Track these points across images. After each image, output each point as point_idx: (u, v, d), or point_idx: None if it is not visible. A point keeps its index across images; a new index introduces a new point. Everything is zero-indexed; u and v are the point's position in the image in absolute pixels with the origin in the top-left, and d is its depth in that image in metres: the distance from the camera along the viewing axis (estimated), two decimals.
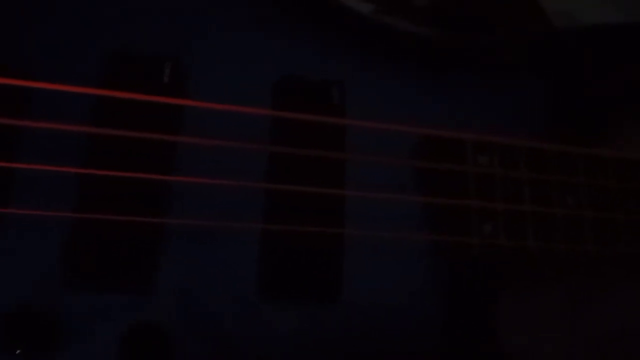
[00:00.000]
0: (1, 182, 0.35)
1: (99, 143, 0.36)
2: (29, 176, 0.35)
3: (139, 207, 0.36)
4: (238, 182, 0.38)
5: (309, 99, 0.41)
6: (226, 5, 0.41)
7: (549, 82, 0.46)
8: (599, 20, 0.51)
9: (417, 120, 0.41)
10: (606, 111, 0.47)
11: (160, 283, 0.36)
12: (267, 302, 0.37)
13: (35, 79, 0.35)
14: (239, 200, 0.38)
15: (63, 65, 0.37)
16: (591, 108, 0.47)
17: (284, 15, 0.42)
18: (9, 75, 0.35)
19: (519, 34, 0.48)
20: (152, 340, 0.36)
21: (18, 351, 0.34)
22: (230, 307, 0.37)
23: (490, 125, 0.43)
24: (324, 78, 0.41)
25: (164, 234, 0.36)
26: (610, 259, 0.43)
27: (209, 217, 0.37)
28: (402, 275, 0.40)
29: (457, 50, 0.45)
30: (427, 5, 0.49)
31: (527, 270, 0.45)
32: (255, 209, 0.38)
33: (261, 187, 0.38)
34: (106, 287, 0.36)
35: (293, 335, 0.38)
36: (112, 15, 0.39)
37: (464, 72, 0.45)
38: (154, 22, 0.39)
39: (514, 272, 0.44)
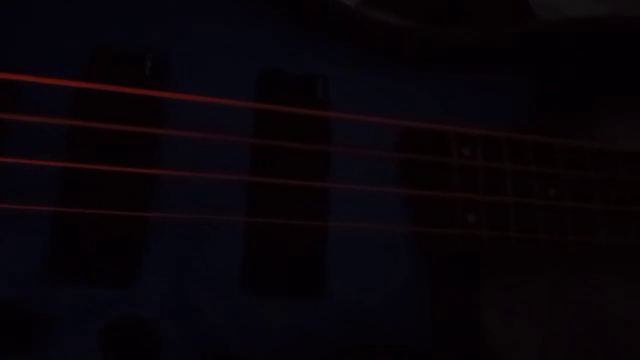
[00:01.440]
0: None
1: (82, 136, 0.36)
2: (12, 170, 0.35)
3: (123, 201, 0.36)
4: (221, 175, 0.38)
5: (292, 93, 0.41)
6: (209, 0, 0.41)
7: (534, 75, 0.46)
8: (585, 13, 0.51)
9: (401, 113, 0.41)
10: (590, 103, 0.48)
11: (145, 277, 0.36)
12: (252, 296, 0.37)
13: (19, 72, 0.35)
14: (223, 194, 0.38)
15: (46, 59, 0.37)
16: (575, 101, 0.47)
17: (267, 8, 0.42)
18: None
19: (505, 27, 0.48)
20: (138, 333, 0.36)
21: None
22: (215, 300, 0.37)
23: (475, 120, 0.43)
24: (307, 71, 0.41)
25: (148, 227, 0.36)
26: (593, 251, 0.43)
27: (193, 210, 0.37)
28: (387, 268, 0.40)
29: (442, 43, 0.45)
30: None
31: (510, 262, 0.45)
32: (239, 202, 0.38)
33: (244, 180, 0.38)
34: (91, 281, 0.36)
35: (279, 329, 0.38)
36: (95, 10, 0.39)
37: (449, 66, 0.45)
38: (137, 16, 0.39)
39: (497, 264, 0.45)
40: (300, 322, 0.38)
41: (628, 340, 0.47)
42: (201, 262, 0.37)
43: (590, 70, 0.47)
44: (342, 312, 0.39)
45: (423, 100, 0.43)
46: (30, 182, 0.35)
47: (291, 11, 0.42)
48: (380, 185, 0.40)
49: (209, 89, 0.39)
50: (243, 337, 0.37)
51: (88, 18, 0.39)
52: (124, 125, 0.36)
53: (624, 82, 0.49)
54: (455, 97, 0.44)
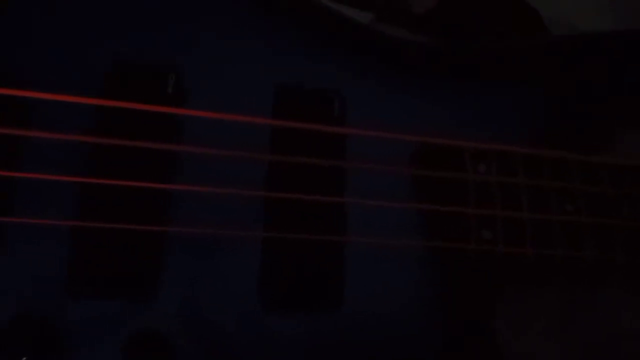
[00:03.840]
0: (4, 191, 0.35)
1: (101, 152, 0.37)
2: (32, 185, 0.35)
3: (141, 216, 0.36)
4: (239, 190, 0.38)
5: (309, 109, 0.41)
6: (226, 15, 0.41)
7: (548, 89, 0.46)
8: (597, 28, 0.51)
9: (416, 128, 0.42)
10: (605, 118, 0.48)
11: (162, 291, 0.36)
12: (269, 311, 0.38)
13: (37, 89, 0.36)
14: (240, 209, 0.38)
15: (64, 75, 0.38)
16: (590, 116, 0.47)
17: (284, 24, 0.42)
18: (11, 85, 0.35)
19: (518, 41, 0.48)
20: (154, 348, 0.36)
21: (24, 358, 0.34)
22: (232, 315, 0.37)
23: (490, 133, 0.43)
24: (323, 87, 0.41)
25: (165, 242, 0.37)
26: (607, 266, 0.43)
27: (211, 225, 0.37)
28: (402, 283, 0.40)
29: (456, 58, 0.46)
30: (426, 14, 0.49)
31: (524, 276, 0.45)
32: (256, 218, 0.38)
33: (261, 195, 0.39)
34: (109, 294, 0.36)
35: (295, 344, 0.38)
36: (113, 26, 0.39)
37: (463, 81, 0.45)
38: (155, 32, 0.40)
39: (512, 278, 0.45)
40: (315, 336, 0.38)
41: (638, 355, 0.46)
42: (218, 276, 0.37)
43: (605, 84, 0.47)
44: (358, 326, 0.39)
45: (438, 114, 0.43)
46: (50, 197, 0.36)
47: (308, 27, 0.42)
48: (396, 201, 0.40)
49: (226, 104, 0.39)
50: (259, 351, 0.37)
51: (107, 33, 0.39)
52: (144, 142, 0.36)
53: (638, 95, 0.49)
54: (470, 111, 0.44)
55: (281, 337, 0.38)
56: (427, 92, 0.44)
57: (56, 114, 0.36)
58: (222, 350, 0.37)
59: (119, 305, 0.36)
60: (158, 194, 0.37)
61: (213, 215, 0.38)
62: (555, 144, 0.44)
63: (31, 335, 0.34)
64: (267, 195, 0.39)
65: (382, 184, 0.41)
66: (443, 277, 0.41)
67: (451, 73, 0.45)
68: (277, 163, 0.39)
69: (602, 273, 0.46)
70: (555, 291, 0.46)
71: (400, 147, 0.41)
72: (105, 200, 0.36)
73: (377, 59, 0.43)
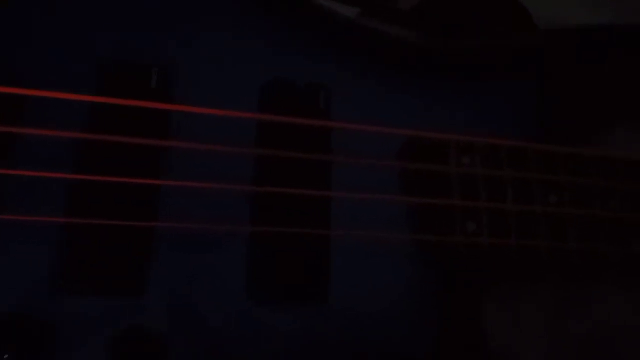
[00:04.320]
0: None
1: (89, 149, 0.37)
2: (21, 182, 0.35)
3: (130, 212, 0.36)
4: (226, 185, 0.38)
5: (295, 103, 0.41)
6: (212, 10, 0.41)
7: (536, 84, 0.46)
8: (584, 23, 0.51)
9: (404, 123, 0.42)
10: (593, 112, 0.48)
11: (151, 287, 0.36)
12: (257, 305, 0.38)
13: (27, 86, 0.36)
14: (228, 204, 0.38)
15: (54, 73, 0.38)
16: (577, 109, 0.47)
17: (269, 19, 0.42)
18: (0, 83, 0.35)
19: (505, 37, 0.48)
20: (144, 344, 0.36)
21: (6, 356, 0.34)
22: (220, 310, 0.37)
23: (478, 129, 0.43)
24: (310, 82, 0.42)
25: (154, 238, 0.37)
26: (596, 260, 0.43)
27: (198, 220, 0.37)
28: (390, 276, 0.40)
29: (443, 53, 0.46)
30: (413, 9, 0.49)
31: (513, 271, 0.45)
32: (243, 212, 0.39)
33: (248, 189, 0.39)
34: (97, 291, 0.36)
35: (284, 336, 0.38)
36: (102, 23, 0.39)
37: (450, 76, 0.45)
38: (142, 28, 0.40)
39: (500, 272, 0.45)
40: (305, 330, 0.38)
41: (631, 351, 0.47)
42: (207, 271, 0.38)
43: (592, 78, 0.47)
44: (346, 319, 0.39)
45: (425, 109, 0.44)
46: (40, 194, 0.36)
47: (293, 21, 0.43)
48: (382, 194, 0.41)
49: (213, 99, 0.39)
50: (249, 345, 0.37)
51: (94, 30, 0.39)
52: (131, 138, 0.37)
53: (626, 89, 0.49)
54: (457, 106, 0.44)
55: (270, 331, 0.38)
56: (414, 87, 0.44)
57: (46, 112, 0.36)
58: (211, 345, 0.37)
59: (108, 302, 0.36)
60: (146, 190, 0.37)
61: (201, 211, 0.38)
62: (545, 139, 0.44)
63: (17, 333, 0.34)
64: (254, 190, 0.39)
65: (369, 177, 0.41)
66: (431, 270, 0.41)
67: (439, 69, 0.45)
68: (264, 157, 0.39)
69: (594, 269, 0.46)
70: (548, 289, 0.47)
71: (387, 141, 0.42)
72: (94, 197, 0.36)
73: (364, 54, 0.44)
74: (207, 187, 0.38)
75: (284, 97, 0.41)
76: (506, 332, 0.45)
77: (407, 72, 0.44)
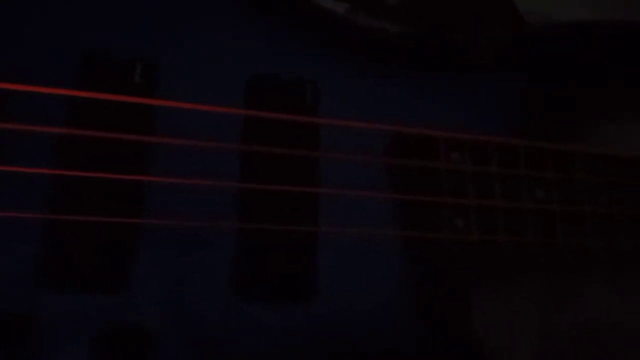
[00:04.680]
0: None
1: (72, 144, 0.36)
2: (3, 178, 0.35)
3: (115, 208, 0.36)
4: (212, 181, 0.38)
5: (282, 98, 0.41)
6: (198, 5, 0.41)
7: (524, 79, 0.46)
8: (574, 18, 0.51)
9: (392, 118, 0.42)
10: (581, 107, 0.48)
11: (137, 283, 0.36)
12: (243, 301, 0.38)
13: (7, 80, 0.35)
14: (214, 200, 0.38)
15: (36, 67, 0.37)
16: (566, 105, 0.47)
17: (257, 14, 0.42)
18: None
19: (492, 32, 0.48)
20: (131, 340, 0.36)
21: None
22: (207, 305, 0.37)
23: (467, 124, 0.43)
24: (296, 77, 0.41)
25: (139, 234, 0.37)
26: (584, 256, 0.43)
27: (184, 217, 0.37)
28: (377, 272, 0.40)
29: (429, 48, 0.46)
30: (400, 4, 0.49)
31: (501, 267, 0.45)
32: (229, 208, 0.38)
33: (235, 186, 0.38)
34: (83, 287, 0.36)
35: (270, 333, 0.38)
36: (84, 17, 0.39)
37: (439, 71, 0.45)
38: (127, 22, 0.40)
39: (488, 269, 0.45)
40: (291, 327, 0.38)
41: (619, 346, 0.47)
42: (193, 268, 0.37)
43: (581, 74, 0.47)
44: (332, 316, 0.39)
45: (413, 104, 0.44)
46: (21, 189, 0.35)
47: (281, 16, 0.42)
48: (369, 190, 0.40)
49: (199, 95, 0.39)
50: (236, 341, 0.37)
51: (77, 24, 0.39)
52: (115, 133, 0.36)
53: (615, 85, 0.49)
54: (445, 101, 0.44)
55: (258, 328, 0.38)
56: (402, 83, 0.44)
57: (27, 106, 0.36)
58: (199, 342, 0.37)
59: (93, 299, 0.35)
60: (131, 185, 0.37)
61: (187, 207, 0.37)
62: (533, 134, 0.44)
63: (2, 330, 0.34)
64: (240, 186, 0.38)
65: (357, 174, 0.41)
66: (419, 266, 0.41)
67: (426, 64, 0.45)
68: (250, 154, 0.39)
69: (579, 264, 0.46)
70: (533, 283, 0.47)
71: (375, 137, 0.41)
72: (77, 193, 0.36)
73: (353, 49, 0.43)
74: (193, 184, 0.37)
75: (269, 92, 0.41)
76: (496, 328, 0.45)
77: (395, 67, 0.44)
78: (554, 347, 0.46)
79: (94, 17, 0.39)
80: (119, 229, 0.36)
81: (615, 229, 0.44)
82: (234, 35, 0.41)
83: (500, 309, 0.46)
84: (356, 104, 0.42)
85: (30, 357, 0.34)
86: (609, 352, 0.47)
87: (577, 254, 0.43)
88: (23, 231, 0.35)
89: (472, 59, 0.46)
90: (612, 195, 0.44)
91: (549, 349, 0.46)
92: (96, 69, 0.38)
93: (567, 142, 0.45)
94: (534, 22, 0.52)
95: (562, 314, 0.47)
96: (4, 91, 0.35)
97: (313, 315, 0.39)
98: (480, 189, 0.41)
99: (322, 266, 0.39)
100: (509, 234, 0.41)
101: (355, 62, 0.43)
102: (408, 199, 0.41)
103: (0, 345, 0.34)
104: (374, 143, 0.41)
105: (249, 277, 0.38)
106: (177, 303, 0.37)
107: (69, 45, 0.38)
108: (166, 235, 0.37)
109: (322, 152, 0.40)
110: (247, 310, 0.38)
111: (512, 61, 0.46)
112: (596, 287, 0.48)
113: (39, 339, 0.34)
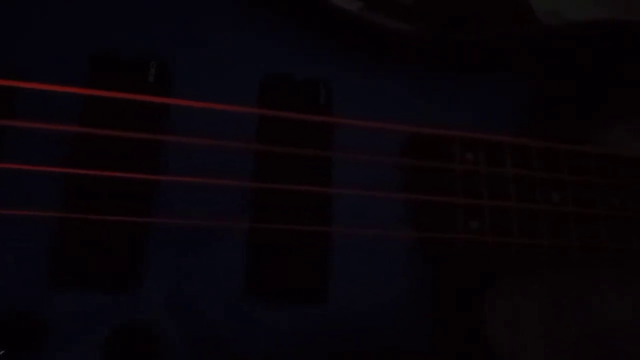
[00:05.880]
0: None
1: (86, 143, 0.36)
2: (16, 176, 0.35)
3: (127, 207, 0.36)
4: (225, 180, 0.38)
5: (296, 98, 0.41)
6: (212, 5, 0.41)
7: (536, 79, 0.46)
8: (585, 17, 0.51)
9: (405, 118, 0.41)
10: (595, 108, 0.48)
11: (148, 282, 0.36)
12: (255, 302, 0.37)
13: (22, 79, 0.35)
14: (227, 199, 0.38)
15: (49, 65, 0.37)
16: (579, 105, 0.47)
17: (270, 14, 0.42)
18: None
19: (506, 31, 0.48)
20: (140, 340, 0.36)
21: (2, 352, 0.34)
22: (218, 306, 0.37)
23: (480, 125, 0.43)
24: (310, 77, 0.41)
25: (151, 233, 0.37)
26: (596, 257, 0.43)
27: (197, 216, 0.37)
28: (390, 274, 0.40)
29: (445, 48, 0.45)
30: (415, 3, 0.49)
31: (513, 268, 0.45)
32: (242, 208, 0.38)
33: (248, 186, 0.38)
34: (93, 286, 0.36)
35: (281, 334, 0.38)
36: (98, 16, 0.39)
37: (453, 70, 0.45)
38: (141, 22, 0.39)
39: (500, 272, 0.45)
40: (303, 327, 0.38)
41: (630, 346, 0.47)
42: (204, 267, 0.37)
43: (594, 74, 0.47)
44: (345, 317, 0.39)
45: (427, 104, 0.43)
46: (34, 188, 0.35)
47: (295, 16, 0.42)
48: (383, 191, 0.40)
49: (213, 94, 0.39)
50: (246, 341, 0.37)
51: (90, 23, 0.39)
52: (129, 132, 0.36)
53: (628, 85, 0.49)
54: (459, 101, 0.44)
55: (268, 327, 0.37)
56: (417, 83, 0.44)
57: (41, 105, 0.36)
58: (209, 342, 0.37)
59: (104, 298, 0.35)
60: (143, 184, 0.37)
61: (199, 206, 0.37)
62: (546, 134, 0.44)
63: (13, 328, 0.34)
64: (253, 186, 0.38)
65: (370, 174, 0.40)
66: (432, 268, 0.41)
67: (440, 63, 0.45)
68: (264, 153, 0.39)
69: (591, 264, 0.46)
70: (544, 284, 0.47)
71: (389, 137, 0.41)
72: (90, 191, 0.36)
73: (367, 49, 0.43)
74: (206, 183, 0.37)
75: (283, 92, 0.40)
76: (505, 329, 0.45)
77: (409, 67, 0.44)
78: (563, 348, 0.46)
79: (109, 17, 0.39)
80: (132, 228, 0.36)
81: (627, 230, 0.44)
82: (247, 35, 0.41)
83: (510, 310, 0.45)
84: (370, 104, 0.42)
85: (41, 356, 0.34)
86: (620, 352, 0.47)
87: (589, 254, 0.43)
88: (35, 230, 0.35)
89: (485, 58, 0.46)
90: (624, 196, 0.44)
91: (558, 350, 0.46)
92: (110, 69, 0.38)
93: (577, 142, 0.44)
94: (547, 21, 0.52)
95: (571, 314, 0.47)
96: (20, 90, 0.35)
97: (325, 316, 0.38)
98: (495, 190, 0.41)
99: (336, 267, 0.39)
100: (523, 236, 0.41)
101: (369, 62, 0.43)
102: (422, 200, 0.41)
103: (12, 344, 0.34)
104: (387, 143, 0.41)
105: (261, 278, 0.38)
106: (187, 302, 0.37)
107: (84, 45, 0.38)
108: (179, 234, 0.37)
109: (336, 152, 0.40)
110: (259, 311, 0.37)
111: (524, 60, 0.46)
112: (608, 288, 0.47)
113: (49, 338, 0.34)
